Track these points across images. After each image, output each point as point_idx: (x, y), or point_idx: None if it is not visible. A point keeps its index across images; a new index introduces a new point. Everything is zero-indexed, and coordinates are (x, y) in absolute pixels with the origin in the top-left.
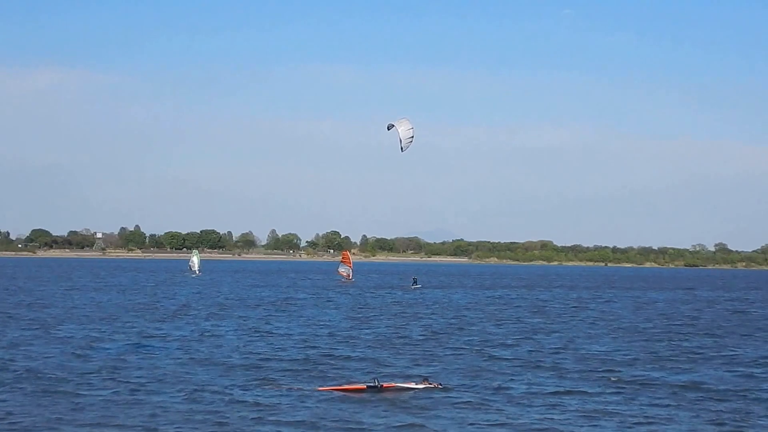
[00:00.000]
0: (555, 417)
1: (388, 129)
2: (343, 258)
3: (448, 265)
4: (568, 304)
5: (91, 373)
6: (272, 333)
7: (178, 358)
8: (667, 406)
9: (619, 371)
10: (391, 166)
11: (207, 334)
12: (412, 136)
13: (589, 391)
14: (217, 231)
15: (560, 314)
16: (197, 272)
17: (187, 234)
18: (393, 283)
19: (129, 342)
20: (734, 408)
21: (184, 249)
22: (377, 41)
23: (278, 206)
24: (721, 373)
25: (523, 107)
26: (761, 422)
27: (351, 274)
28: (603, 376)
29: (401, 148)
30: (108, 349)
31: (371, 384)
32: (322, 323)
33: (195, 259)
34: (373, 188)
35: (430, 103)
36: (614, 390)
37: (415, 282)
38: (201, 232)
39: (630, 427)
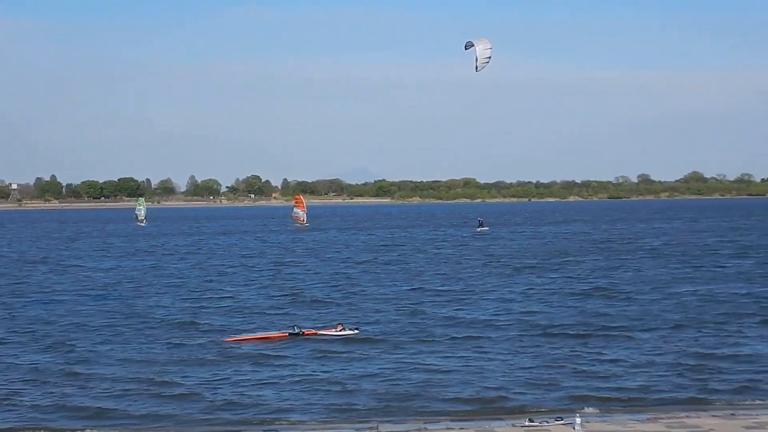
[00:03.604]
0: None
1: (466, 48)
2: (296, 202)
3: (392, 206)
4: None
5: None
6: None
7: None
8: None
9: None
10: (309, 106)
11: None
12: (490, 57)
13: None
14: (135, 178)
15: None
16: (143, 220)
17: (105, 182)
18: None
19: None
20: None
21: (102, 198)
22: None
23: (196, 151)
24: None
25: (451, 40)
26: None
27: (305, 219)
28: None
29: (476, 68)
30: None
31: (292, 331)
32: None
33: (141, 208)
34: (292, 130)
35: (351, 38)
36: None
37: (481, 224)
38: (119, 180)
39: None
